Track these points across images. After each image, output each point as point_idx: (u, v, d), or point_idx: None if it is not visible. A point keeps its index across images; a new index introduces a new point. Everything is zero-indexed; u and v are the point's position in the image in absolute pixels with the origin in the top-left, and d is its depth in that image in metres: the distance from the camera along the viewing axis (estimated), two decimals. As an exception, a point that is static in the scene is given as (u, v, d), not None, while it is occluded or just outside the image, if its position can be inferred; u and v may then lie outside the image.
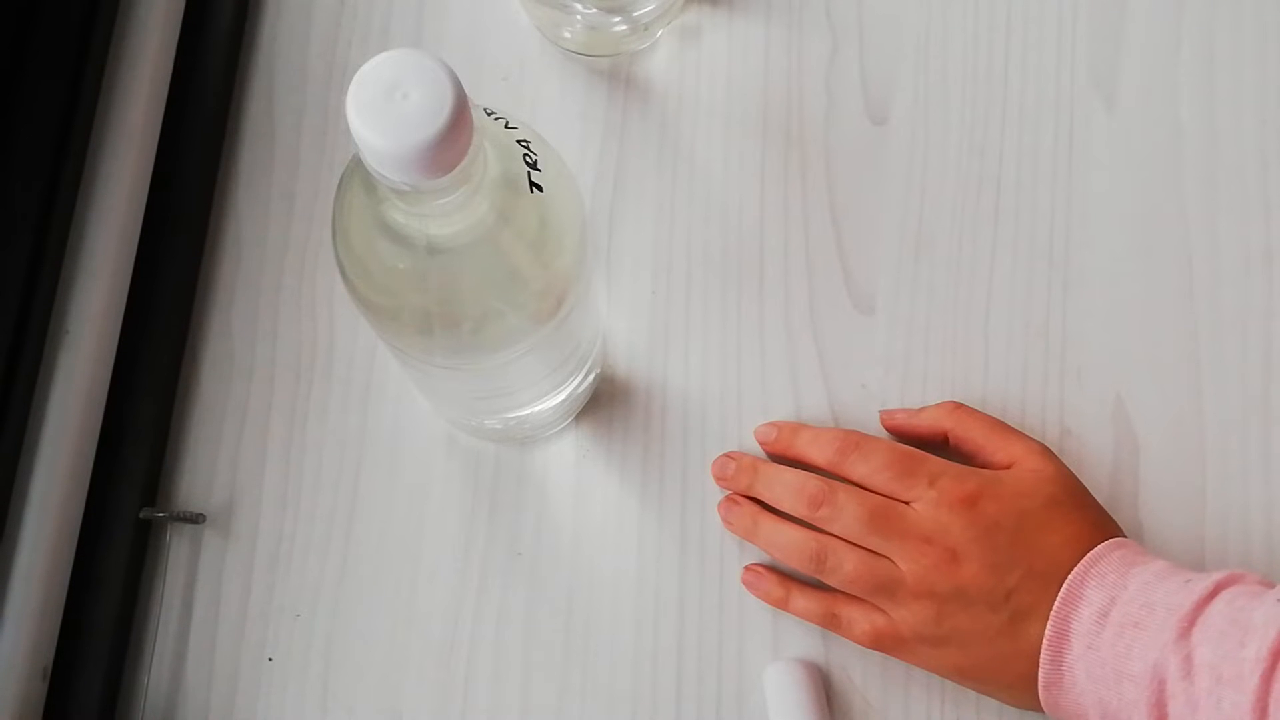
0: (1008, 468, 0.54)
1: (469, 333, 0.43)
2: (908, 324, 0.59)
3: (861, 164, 0.61)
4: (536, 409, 0.54)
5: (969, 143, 0.61)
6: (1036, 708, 0.51)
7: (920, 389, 0.59)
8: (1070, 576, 0.49)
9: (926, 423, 0.57)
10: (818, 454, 0.55)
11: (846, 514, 0.53)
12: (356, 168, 0.40)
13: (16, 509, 0.53)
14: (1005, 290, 0.60)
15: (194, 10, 0.61)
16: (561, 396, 0.54)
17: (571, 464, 0.58)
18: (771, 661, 0.56)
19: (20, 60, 0.56)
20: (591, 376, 0.57)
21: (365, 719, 0.56)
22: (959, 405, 0.57)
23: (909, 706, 0.56)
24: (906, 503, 0.52)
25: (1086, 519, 0.52)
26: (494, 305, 0.43)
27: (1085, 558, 0.50)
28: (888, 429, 0.57)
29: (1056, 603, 0.49)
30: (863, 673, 0.56)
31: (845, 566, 0.52)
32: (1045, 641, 0.49)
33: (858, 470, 0.54)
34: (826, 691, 0.55)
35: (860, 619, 0.53)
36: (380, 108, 0.35)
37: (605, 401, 0.59)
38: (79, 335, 0.55)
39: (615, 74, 0.62)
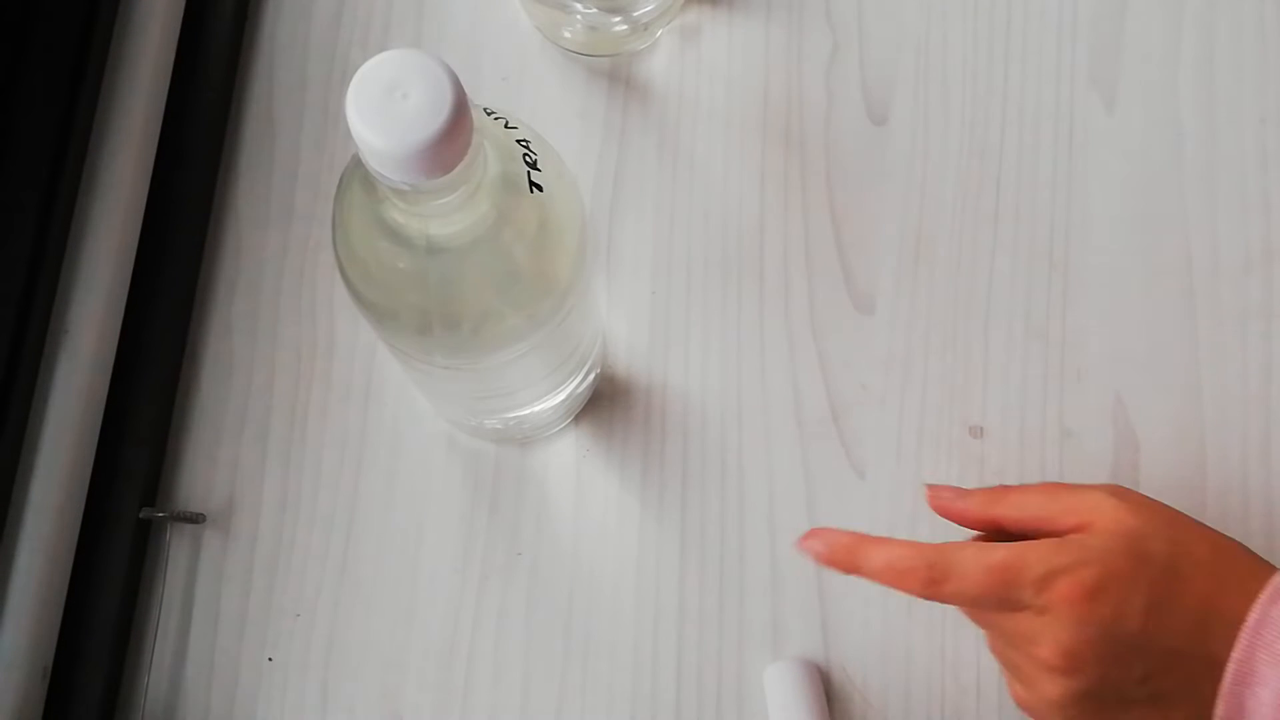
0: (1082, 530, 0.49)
1: (469, 333, 0.43)
2: (908, 324, 0.59)
3: (861, 164, 0.61)
4: (536, 409, 0.54)
5: (969, 143, 0.61)
6: None
7: (920, 389, 0.59)
8: (1237, 651, 0.44)
9: (975, 515, 0.51)
10: (904, 587, 0.49)
11: (969, 617, 0.50)
12: (356, 168, 0.40)
13: (16, 509, 0.53)
14: (1005, 290, 0.60)
15: (194, 11, 0.61)
16: (561, 396, 0.54)
17: (571, 464, 0.58)
18: (771, 661, 0.56)
19: (20, 60, 0.56)
20: (591, 376, 0.57)
21: (365, 719, 0.56)
22: (998, 489, 0.51)
23: (909, 706, 0.56)
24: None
25: (1208, 558, 0.47)
26: (494, 305, 0.43)
27: (1247, 626, 0.44)
28: (935, 510, 0.52)
29: (1228, 684, 0.45)
30: (863, 673, 0.56)
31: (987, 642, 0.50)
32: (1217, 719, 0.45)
33: (958, 602, 0.48)
34: (826, 691, 0.55)
35: (1010, 683, 0.49)
36: (380, 107, 0.35)
37: (605, 401, 0.59)
38: (79, 335, 0.55)
39: (615, 74, 0.62)
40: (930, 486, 0.51)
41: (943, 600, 0.48)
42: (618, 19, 0.59)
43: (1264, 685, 0.44)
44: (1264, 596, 0.45)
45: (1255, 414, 0.58)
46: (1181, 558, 0.46)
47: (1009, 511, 0.49)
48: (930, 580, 0.47)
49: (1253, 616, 0.44)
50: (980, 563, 0.47)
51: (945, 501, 0.51)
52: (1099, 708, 0.47)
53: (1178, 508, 0.57)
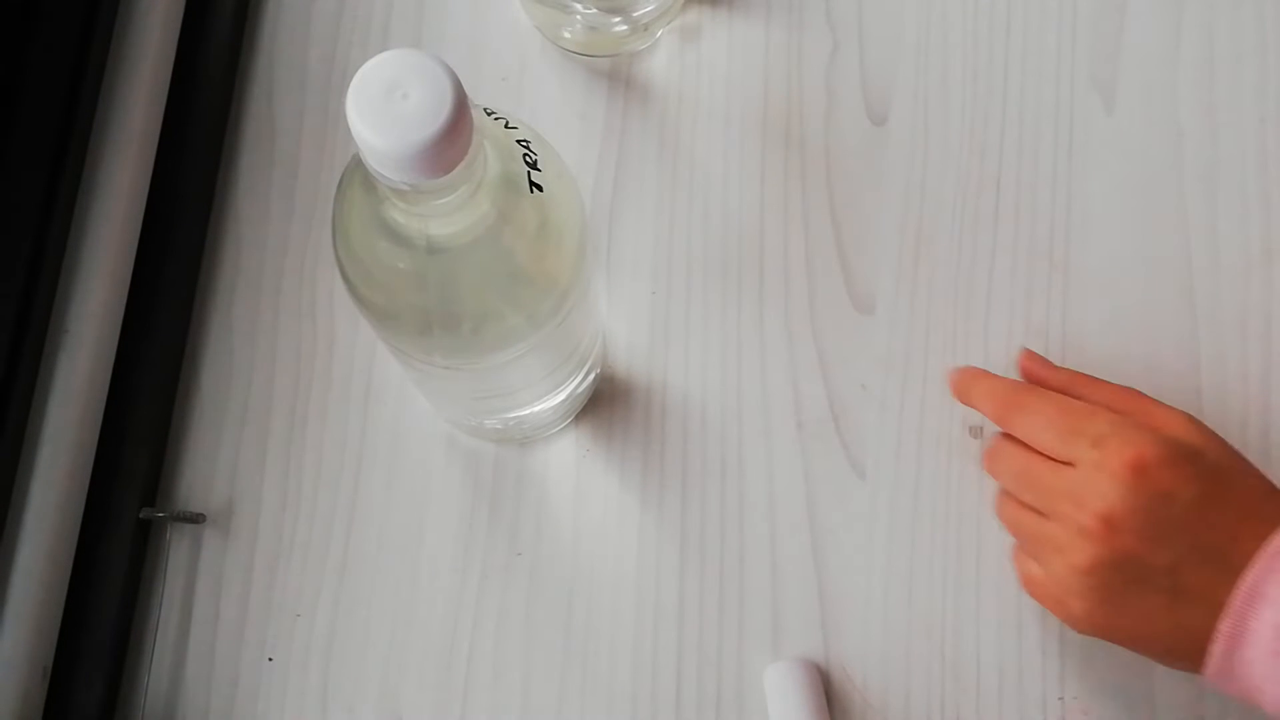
0: None
1: (469, 333, 0.43)
2: (908, 324, 0.59)
3: (861, 164, 0.61)
4: (536, 409, 0.54)
5: (969, 143, 0.61)
6: (1190, 671, 0.49)
7: (920, 389, 0.59)
8: (1251, 573, 0.46)
9: (1056, 383, 0.55)
10: (988, 408, 0.54)
11: (1005, 470, 0.52)
12: (356, 168, 0.40)
13: (16, 508, 0.53)
14: (1005, 290, 0.60)
15: (194, 11, 0.61)
16: (561, 396, 0.54)
17: (571, 464, 0.58)
18: (771, 661, 0.56)
19: (20, 60, 0.56)
20: (591, 376, 0.57)
21: (365, 719, 0.56)
22: (1085, 375, 0.55)
23: (909, 706, 0.56)
24: (1070, 463, 0.50)
25: (1256, 488, 0.49)
26: (494, 305, 0.43)
27: (1266, 550, 0.46)
28: (1021, 370, 0.56)
29: (1237, 600, 0.46)
30: (863, 673, 0.56)
31: (1001, 512, 0.53)
32: (1221, 637, 0.46)
33: (1022, 429, 0.52)
34: (826, 691, 0.55)
35: (1020, 562, 0.52)
36: (380, 107, 0.35)
37: (605, 401, 0.59)
38: (79, 335, 0.55)
39: (615, 74, 0.62)
40: (1027, 349, 0.56)
41: (1012, 430, 0.52)
42: (618, 19, 0.59)
43: (1270, 606, 0.45)
44: None
45: (1255, 414, 0.58)
46: (1234, 473, 0.49)
47: (1089, 392, 0.53)
48: (1009, 407, 0.53)
49: (1274, 543, 0.46)
50: (1056, 403, 0.52)
51: (1035, 366, 0.55)
52: (1118, 584, 0.48)
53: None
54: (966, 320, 0.59)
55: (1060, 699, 0.55)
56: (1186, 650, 0.48)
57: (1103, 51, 0.62)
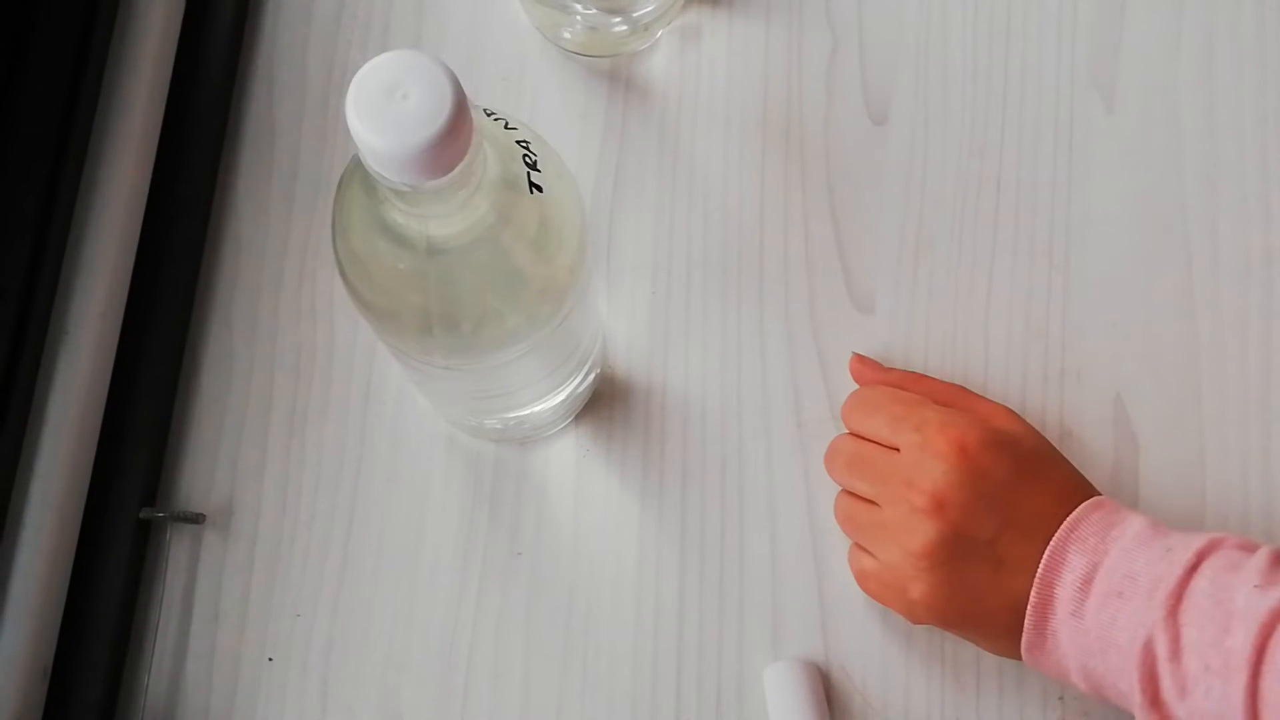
0: None
1: (469, 333, 0.43)
2: (908, 324, 0.59)
3: (861, 164, 0.61)
4: (536, 409, 0.54)
5: (969, 143, 0.61)
6: (1016, 657, 0.51)
7: (920, 389, 0.59)
8: (1053, 542, 0.49)
9: (890, 382, 0.57)
10: (843, 411, 0.56)
11: (839, 463, 0.55)
12: (356, 168, 0.40)
13: (16, 509, 0.53)
14: (1005, 290, 0.60)
15: (194, 11, 0.61)
16: (561, 396, 0.54)
17: (571, 464, 0.58)
18: (771, 661, 0.56)
19: (20, 60, 0.56)
20: (591, 376, 0.57)
21: (365, 719, 0.56)
22: (915, 374, 0.58)
23: (909, 706, 0.56)
24: (897, 449, 0.52)
25: (1066, 474, 0.53)
26: (494, 305, 0.43)
27: (1066, 522, 0.50)
28: (851, 372, 0.58)
29: (1040, 569, 0.49)
30: (863, 673, 0.56)
31: (837, 510, 0.55)
32: (1030, 607, 0.49)
33: (856, 422, 0.55)
34: (826, 691, 0.55)
35: (854, 558, 0.54)
36: (380, 108, 0.35)
37: (605, 401, 0.59)
38: (79, 335, 0.55)
39: (615, 74, 0.62)
40: (856, 354, 0.58)
41: (850, 425, 0.56)
42: (618, 19, 0.59)
43: (1071, 571, 0.49)
44: (1087, 504, 0.51)
45: (1255, 413, 0.58)
46: (1047, 461, 0.53)
47: (919, 387, 0.56)
48: (847, 405, 0.56)
49: (1073, 516, 0.50)
50: (887, 394, 0.55)
51: (866, 369, 0.58)
52: (949, 561, 0.50)
53: (1177, 508, 0.58)
54: (966, 320, 0.59)
55: (1060, 699, 0.55)
56: (1012, 629, 0.50)
57: (1103, 51, 0.62)
